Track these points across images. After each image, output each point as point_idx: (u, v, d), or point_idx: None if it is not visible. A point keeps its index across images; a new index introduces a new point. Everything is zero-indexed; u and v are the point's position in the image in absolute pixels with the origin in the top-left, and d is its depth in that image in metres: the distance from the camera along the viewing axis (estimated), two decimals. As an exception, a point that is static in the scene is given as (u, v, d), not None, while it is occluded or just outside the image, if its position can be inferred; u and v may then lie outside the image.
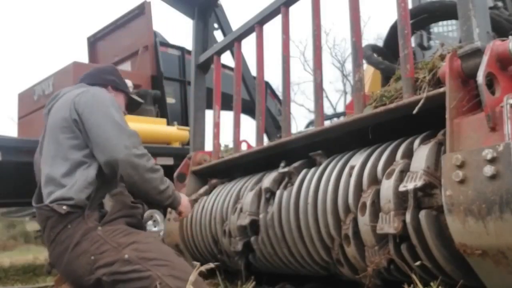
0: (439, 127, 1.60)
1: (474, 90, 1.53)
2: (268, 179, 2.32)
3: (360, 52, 2.12)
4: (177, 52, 6.04)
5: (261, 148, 2.63)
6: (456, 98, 1.52)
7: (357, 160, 1.92)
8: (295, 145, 2.41)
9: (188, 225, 2.91)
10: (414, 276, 1.60)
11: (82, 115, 1.80)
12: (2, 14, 35.83)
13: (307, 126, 7.76)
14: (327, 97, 22.60)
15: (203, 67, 3.49)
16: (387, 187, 1.66)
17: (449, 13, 2.95)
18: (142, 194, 1.83)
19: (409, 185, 1.56)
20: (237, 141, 2.94)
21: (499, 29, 2.54)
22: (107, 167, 1.74)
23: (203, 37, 3.59)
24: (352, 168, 1.90)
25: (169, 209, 2.86)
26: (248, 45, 3.06)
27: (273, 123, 5.46)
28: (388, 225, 1.61)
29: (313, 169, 2.16)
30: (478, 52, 1.51)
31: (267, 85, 6.85)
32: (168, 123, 5.43)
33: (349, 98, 20.88)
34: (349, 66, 21.98)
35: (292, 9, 2.57)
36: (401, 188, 1.59)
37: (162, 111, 5.45)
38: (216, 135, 3.07)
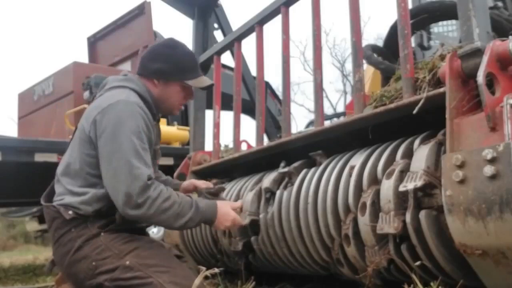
0: (439, 127, 1.60)
1: (474, 90, 1.53)
2: (268, 179, 2.32)
3: (360, 52, 2.12)
4: (177, 52, 6.03)
5: (261, 148, 2.62)
6: (456, 98, 1.52)
7: (357, 160, 1.92)
8: (295, 145, 2.41)
9: (188, 225, 2.90)
10: (414, 276, 1.60)
11: (99, 140, 1.74)
12: (2, 14, 35.82)
13: (307, 126, 7.76)
14: (327, 97, 22.62)
15: (203, 67, 3.48)
16: (387, 187, 1.66)
17: (449, 13, 2.95)
18: None
19: (409, 185, 1.56)
20: (237, 141, 2.94)
21: (499, 29, 2.54)
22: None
23: (203, 37, 3.59)
24: (352, 168, 1.90)
25: None
26: (248, 45, 3.06)
27: (273, 123, 5.46)
28: (388, 225, 1.61)
29: (313, 169, 2.16)
30: (478, 52, 1.51)
31: (267, 85, 6.85)
32: (168, 123, 5.44)
33: (349, 98, 20.89)
34: (349, 66, 21.99)
35: (292, 9, 2.57)
36: (401, 188, 1.59)
37: (162, 111, 5.44)
38: (216, 135, 3.07)
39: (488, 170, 1.29)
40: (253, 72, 3.12)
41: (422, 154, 1.61)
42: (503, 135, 1.33)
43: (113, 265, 1.70)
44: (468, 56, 1.53)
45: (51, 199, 1.84)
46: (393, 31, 3.10)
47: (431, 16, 3.08)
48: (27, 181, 4.19)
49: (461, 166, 1.37)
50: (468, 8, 1.64)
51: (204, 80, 2.07)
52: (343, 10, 3.48)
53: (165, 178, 2.30)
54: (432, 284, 1.56)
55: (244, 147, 3.12)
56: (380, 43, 3.63)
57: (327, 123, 2.30)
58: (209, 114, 3.49)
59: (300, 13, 3.58)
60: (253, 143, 2.92)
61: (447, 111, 1.51)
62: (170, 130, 5.27)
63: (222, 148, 3.34)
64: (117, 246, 1.73)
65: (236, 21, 3.25)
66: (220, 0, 3.84)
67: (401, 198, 1.62)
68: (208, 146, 3.40)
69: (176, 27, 26.11)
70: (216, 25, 3.77)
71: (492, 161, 1.29)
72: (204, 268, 1.80)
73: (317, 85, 2.34)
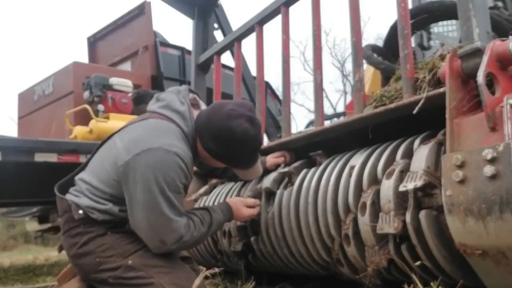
0: (439, 127, 1.60)
1: (474, 90, 1.52)
2: (268, 179, 2.32)
3: (360, 52, 2.12)
4: (177, 52, 6.04)
5: (261, 148, 2.62)
6: (456, 98, 1.52)
7: (357, 160, 1.92)
8: (295, 145, 2.41)
9: (188, 225, 2.90)
10: (414, 276, 1.60)
11: (134, 184, 1.67)
12: (3, 14, 35.81)
13: (307, 126, 7.75)
14: (327, 97, 22.64)
15: (203, 67, 3.49)
16: (387, 187, 1.66)
17: (449, 13, 2.95)
18: None
19: (409, 185, 1.56)
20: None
21: (499, 29, 2.54)
22: None
23: (203, 37, 3.59)
24: (352, 168, 1.90)
25: None
26: (248, 45, 3.06)
27: (273, 123, 5.46)
28: (388, 225, 1.61)
29: (313, 169, 2.16)
30: (478, 52, 1.51)
31: (267, 85, 6.85)
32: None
33: (349, 98, 20.90)
34: (349, 66, 22.01)
35: (292, 9, 2.57)
36: (401, 188, 1.59)
37: (162, 111, 5.44)
38: (216, 135, 3.06)
39: (488, 170, 1.29)
40: (253, 72, 3.11)
41: (422, 154, 1.61)
42: (503, 135, 1.33)
43: (116, 263, 1.72)
44: (468, 56, 1.53)
45: (66, 191, 1.84)
46: (393, 31, 3.10)
47: (431, 16, 3.08)
48: (27, 181, 4.18)
49: (461, 166, 1.37)
50: (468, 8, 1.64)
51: (251, 174, 2.01)
52: (343, 10, 3.48)
53: None
54: (432, 284, 1.56)
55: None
56: (380, 43, 3.63)
57: (327, 123, 2.30)
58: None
59: (300, 13, 3.58)
60: (253, 143, 2.91)
61: (447, 111, 1.51)
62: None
63: (222, 148, 3.33)
64: (121, 245, 1.74)
65: (236, 21, 3.26)
66: (220, 0, 3.84)
67: (401, 198, 1.62)
68: (208, 146, 3.40)
69: (176, 27, 26.13)
70: (216, 25, 3.77)
71: (492, 161, 1.29)
72: (204, 268, 1.81)
73: (317, 85, 2.34)
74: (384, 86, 2.36)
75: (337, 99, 26.93)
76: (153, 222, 1.67)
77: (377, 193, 1.72)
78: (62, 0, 36.66)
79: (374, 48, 3.25)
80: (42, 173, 3.83)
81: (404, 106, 1.77)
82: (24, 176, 4.01)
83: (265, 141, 2.96)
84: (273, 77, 30.64)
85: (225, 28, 3.80)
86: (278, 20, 2.63)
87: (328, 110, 20.64)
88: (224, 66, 4.64)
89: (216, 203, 2.69)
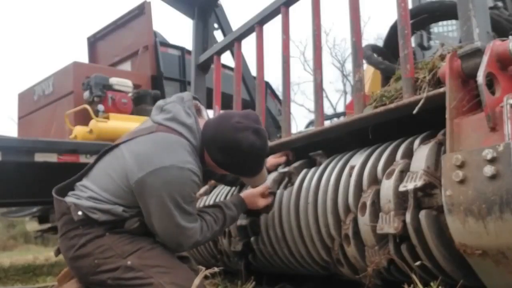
0: (439, 127, 1.60)
1: (474, 90, 1.52)
2: (268, 179, 2.32)
3: (360, 52, 2.12)
4: (177, 52, 6.03)
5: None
6: (456, 98, 1.52)
7: (357, 160, 1.92)
8: (295, 145, 2.41)
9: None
10: (414, 276, 1.60)
11: (147, 198, 1.71)
12: (3, 14, 35.82)
13: (307, 126, 7.75)
14: (327, 97, 22.65)
15: (203, 67, 3.49)
16: (387, 187, 1.66)
17: (449, 13, 2.94)
18: None
19: (409, 185, 1.56)
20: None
21: (499, 29, 2.53)
22: None
23: (203, 37, 3.58)
24: (352, 168, 1.90)
25: None
26: (248, 45, 3.06)
27: (273, 123, 5.46)
28: (388, 225, 1.61)
29: (313, 169, 2.16)
30: (478, 52, 1.51)
31: (267, 85, 6.84)
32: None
33: (349, 98, 20.90)
34: (349, 66, 22.00)
35: (292, 9, 2.57)
36: (401, 188, 1.59)
37: (162, 111, 5.44)
38: (216, 135, 3.06)
39: (488, 170, 1.29)
40: (253, 72, 3.11)
41: (422, 154, 1.61)
42: (503, 135, 1.33)
43: (115, 264, 1.72)
44: (468, 56, 1.53)
45: (64, 194, 1.84)
46: (393, 31, 3.10)
47: (431, 16, 3.08)
48: (27, 181, 4.18)
49: (461, 166, 1.37)
50: (468, 8, 1.64)
51: (257, 181, 2.04)
52: (343, 10, 3.48)
53: None
54: (432, 284, 1.56)
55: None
56: (380, 43, 3.63)
57: (327, 123, 2.30)
58: (209, 114, 3.49)
59: (300, 13, 3.58)
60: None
61: (447, 111, 1.51)
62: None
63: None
64: (120, 246, 1.74)
65: (236, 21, 3.26)
66: (220, 0, 3.84)
67: (401, 198, 1.62)
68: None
69: (176, 27, 26.13)
70: (216, 25, 3.77)
71: (492, 161, 1.29)
72: (204, 268, 1.81)
73: (317, 85, 2.34)
74: (384, 86, 2.36)
75: (337, 99, 26.93)
76: (169, 231, 1.76)
77: (377, 193, 1.72)
78: (62, 0, 36.67)
79: (374, 48, 3.25)
80: (42, 173, 3.83)
81: (404, 106, 1.77)
82: (24, 176, 4.00)
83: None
84: (273, 77, 30.66)
85: (225, 28, 3.79)
86: (278, 20, 2.64)
87: (328, 110, 20.65)
88: (224, 66, 4.64)
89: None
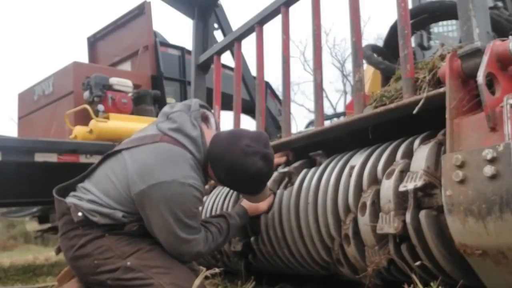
0: (439, 127, 1.60)
1: (474, 90, 1.52)
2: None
3: (360, 52, 2.12)
4: (177, 52, 6.03)
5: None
6: (456, 98, 1.52)
7: (357, 160, 1.92)
8: (295, 145, 2.41)
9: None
10: (414, 276, 1.60)
11: (149, 209, 1.72)
12: (3, 14, 35.83)
13: (307, 126, 7.75)
14: (327, 97, 22.65)
15: (203, 67, 3.49)
16: (387, 187, 1.66)
17: (449, 13, 2.95)
18: None
19: (409, 185, 1.56)
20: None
21: (499, 29, 2.53)
22: None
23: (203, 37, 3.58)
24: (352, 168, 1.90)
25: None
26: (248, 45, 3.06)
27: (273, 123, 5.46)
28: (388, 225, 1.61)
29: (313, 169, 2.16)
30: (478, 52, 1.51)
31: (267, 85, 6.84)
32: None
33: (349, 98, 20.90)
34: (349, 66, 22.01)
35: (292, 9, 2.57)
36: (401, 188, 1.59)
37: (162, 111, 5.44)
38: (216, 135, 3.06)
39: (488, 170, 1.29)
40: (253, 72, 3.11)
41: (422, 154, 1.61)
42: (503, 135, 1.33)
43: (114, 265, 1.72)
44: (468, 56, 1.53)
45: (65, 195, 1.85)
46: (393, 31, 3.10)
47: (431, 16, 3.08)
48: (27, 181, 4.18)
49: (461, 166, 1.37)
50: (468, 8, 1.64)
51: (258, 199, 2.07)
52: (343, 10, 3.48)
53: None
54: (432, 284, 1.56)
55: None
56: (380, 43, 3.63)
57: (327, 123, 2.30)
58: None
59: (300, 13, 3.58)
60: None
61: (447, 111, 1.51)
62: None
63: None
64: (119, 247, 1.74)
65: (236, 21, 3.26)
66: (220, 0, 3.84)
67: (401, 198, 1.62)
68: (208, 146, 3.39)
69: (176, 27, 26.13)
70: (216, 25, 3.77)
71: (492, 161, 1.29)
72: (204, 269, 1.81)
73: (317, 85, 2.34)
74: (384, 86, 2.36)
75: (337, 99, 26.95)
76: (170, 242, 1.77)
77: (377, 193, 1.72)
78: (62, 0, 36.68)
79: (374, 48, 3.25)
80: (42, 173, 3.84)
81: (404, 106, 1.77)
82: (24, 176, 4.01)
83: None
84: (273, 77, 30.66)
85: (225, 28, 3.79)
86: (278, 20, 2.63)
87: (328, 110, 20.65)
88: (224, 66, 4.64)
89: (216, 203, 2.70)
